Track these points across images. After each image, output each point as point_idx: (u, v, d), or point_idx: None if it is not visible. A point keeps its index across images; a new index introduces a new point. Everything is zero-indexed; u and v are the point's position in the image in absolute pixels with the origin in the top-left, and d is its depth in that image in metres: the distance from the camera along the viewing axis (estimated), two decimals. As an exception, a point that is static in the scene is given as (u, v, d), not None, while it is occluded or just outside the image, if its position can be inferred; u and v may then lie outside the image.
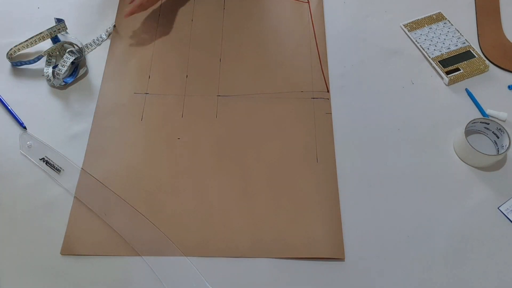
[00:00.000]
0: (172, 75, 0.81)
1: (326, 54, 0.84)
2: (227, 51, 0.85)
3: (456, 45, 0.85)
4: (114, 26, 0.87)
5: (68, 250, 0.64)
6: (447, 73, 0.81)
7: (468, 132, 0.73)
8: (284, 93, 0.79)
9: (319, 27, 0.88)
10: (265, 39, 0.86)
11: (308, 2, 0.92)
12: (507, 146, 0.69)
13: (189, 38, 0.86)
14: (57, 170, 0.71)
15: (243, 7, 0.91)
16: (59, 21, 0.85)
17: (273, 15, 0.90)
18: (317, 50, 0.85)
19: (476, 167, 0.72)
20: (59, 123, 0.76)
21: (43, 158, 0.72)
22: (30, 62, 0.81)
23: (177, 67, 0.83)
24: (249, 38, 0.87)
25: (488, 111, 0.77)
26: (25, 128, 0.75)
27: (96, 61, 0.83)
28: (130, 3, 0.85)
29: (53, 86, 0.80)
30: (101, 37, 0.86)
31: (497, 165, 0.72)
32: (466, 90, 0.80)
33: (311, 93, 0.79)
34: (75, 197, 0.68)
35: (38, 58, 0.81)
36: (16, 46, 0.81)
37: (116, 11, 0.90)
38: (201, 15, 0.90)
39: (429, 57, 0.83)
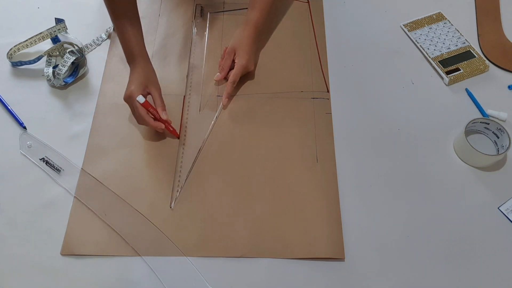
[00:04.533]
0: (172, 75, 0.81)
1: (326, 54, 0.84)
2: (227, 51, 0.85)
3: (456, 45, 0.85)
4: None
5: (68, 250, 0.64)
6: (447, 73, 0.81)
7: (468, 132, 0.73)
8: (284, 93, 0.79)
9: (319, 27, 0.88)
10: (265, 39, 0.86)
11: (308, 2, 0.92)
12: (507, 146, 0.69)
13: (190, 39, 0.86)
14: (57, 170, 0.71)
15: (243, 7, 0.91)
16: (59, 21, 0.85)
17: (273, 15, 0.90)
18: (317, 50, 0.85)
19: (476, 167, 0.72)
20: (59, 123, 0.76)
21: (43, 158, 0.72)
22: (30, 62, 0.81)
23: (177, 67, 0.83)
24: (249, 38, 0.87)
25: (488, 111, 0.77)
26: (25, 128, 0.75)
27: (96, 61, 0.83)
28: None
29: (53, 86, 0.80)
30: (101, 37, 0.86)
31: (497, 165, 0.72)
32: (466, 90, 0.80)
33: (311, 93, 0.79)
34: (75, 197, 0.68)
35: (38, 58, 0.81)
36: (16, 46, 0.81)
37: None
38: (201, 15, 0.90)
39: (429, 57, 0.83)
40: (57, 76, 0.78)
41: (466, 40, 0.85)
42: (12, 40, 0.83)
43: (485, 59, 0.83)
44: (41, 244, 0.65)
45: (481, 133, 0.75)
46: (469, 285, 0.62)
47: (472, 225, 0.67)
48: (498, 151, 0.72)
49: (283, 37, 0.87)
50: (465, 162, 0.72)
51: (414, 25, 0.88)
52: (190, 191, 0.69)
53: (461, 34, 0.86)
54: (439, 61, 0.83)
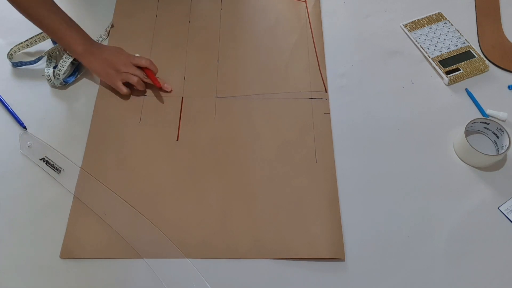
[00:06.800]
0: (170, 76, 0.81)
1: (324, 54, 0.84)
2: (224, 52, 0.84)
3: (456, 45, 0.85)
4: (112, 25, 0.87)
5: (67, 253, 0.64)
6: (447, 73, 0.81)
7: (468, 132, 0.73)
8: (282, 94, 0.79)
9: (317, 27, 0.88)
10: (262, 39, 0.86)
11: (305, 1, 0.92)
12: (507, 146, 0.69)
13: (187, 40, 0.86)
14: (57, 170, 0.71)
15: (240, 8, 0.91)
16: (59, 21, 0.85)
17: (270, 15, 0.90)
18: (314, 50, 0.85)
19: (476, 167, 0.72)
20: (59, 123, 0.76)
21: (43, 158, 0.72)
22: (30, 63, 0.81)
23: (175, 69, 0.82)
24: (246, 38, 0.87)
25: (488, 111, 0.77)
26: (25, 128, 0.75)
27: (96, 61, 0.83)
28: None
29: (53, 86, 0.80)
30: (100, 37, 0.86)
31: (497, 165, 0.72)
32: (466, 90, 0.80)
33: (309, 94, 0.79)
34: (75, 197, 0.68)
35: (39, 59, 0.81)
36: (16, 46, 0.81)
37: (113, 11, 0.89)
38: (198, 16, 0.89)
39: (429, 57, 0.83)
40: (57, 76, 0.78)
41: (466, 40, 0.85)
42: (12, 40, 0.82)
43: (485, 59, 0.83)
44: (40, 246, 0.64)
45: (481, 133, 0.75)
46: (469, 285, 0.62)
47: (472, 225, 0.67)
48: (498, 151, 0.72)
49: (280, 37, 0.87)
50: (465, 162, 0.72)
51: (414, 25, 0.88)
52: (190, 192, 0.69)
53: (461, 34, 0.86)
54: (439, 61, 0.83)
